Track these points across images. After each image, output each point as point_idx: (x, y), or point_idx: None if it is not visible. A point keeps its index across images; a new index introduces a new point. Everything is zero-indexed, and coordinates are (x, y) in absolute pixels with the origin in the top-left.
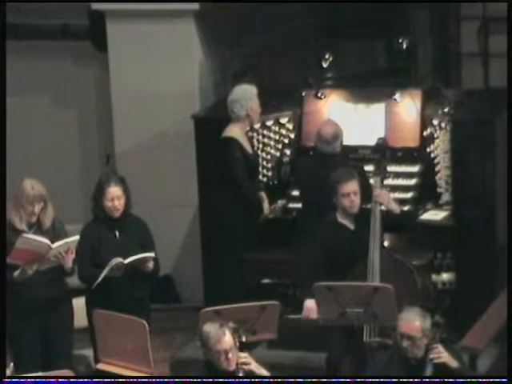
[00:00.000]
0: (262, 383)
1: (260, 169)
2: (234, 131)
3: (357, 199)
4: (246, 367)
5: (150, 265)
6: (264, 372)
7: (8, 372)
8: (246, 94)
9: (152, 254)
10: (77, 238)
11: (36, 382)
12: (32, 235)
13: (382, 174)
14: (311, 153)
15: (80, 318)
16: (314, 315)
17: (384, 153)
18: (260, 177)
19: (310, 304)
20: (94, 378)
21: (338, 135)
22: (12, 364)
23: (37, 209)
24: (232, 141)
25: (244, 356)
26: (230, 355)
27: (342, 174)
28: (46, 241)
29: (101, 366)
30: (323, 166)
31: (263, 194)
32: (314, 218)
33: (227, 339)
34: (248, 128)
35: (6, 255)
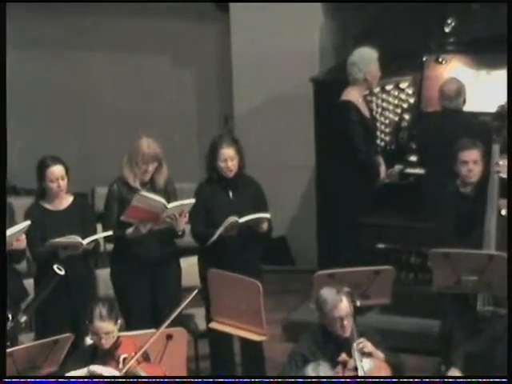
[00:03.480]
0: (262, 383)
1: (378, 133)
2: (352, 95)
3: (476, 168)
4: (363, 351)
5: (265, 226)
6: (380, 354)
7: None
8: (365, 58)
9: (267, 215)
10: (192, 200)
11: (36, 382)
12: (149, 194)
13: (502, 141)
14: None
15: (187, 277)
16: None
17: (503, 120)
18: (377, 141)
19: None
20: (94, 378)
21: (460, 91)
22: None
23: (151, 168)
24: (349, 104)
25: (360, 341)
26: (345, 322)
27: (463, 142)
28: (163, 200)
29: (213, 325)
30: (447, 123)
31: (380, 159)
32: (435, 181)
33: (344, 306)
34: (366, 92)
35: (5, 255)
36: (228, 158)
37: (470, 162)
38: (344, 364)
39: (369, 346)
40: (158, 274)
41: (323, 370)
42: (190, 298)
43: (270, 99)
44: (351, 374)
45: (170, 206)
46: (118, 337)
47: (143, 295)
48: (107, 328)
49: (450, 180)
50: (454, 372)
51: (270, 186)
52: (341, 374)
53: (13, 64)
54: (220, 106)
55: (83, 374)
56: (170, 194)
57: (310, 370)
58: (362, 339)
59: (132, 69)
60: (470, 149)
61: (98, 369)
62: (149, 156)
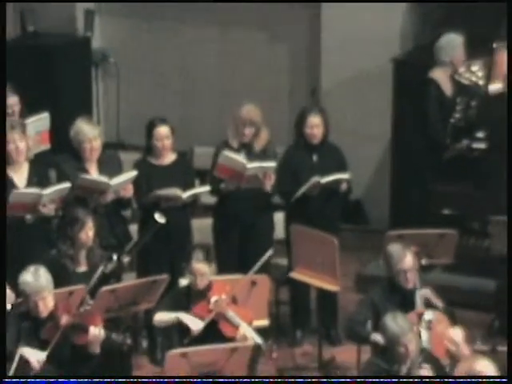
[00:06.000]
0: (262, 383)
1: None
2: (437, 74)
3: None
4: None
5: (344, 186)
6: (438, 302)
7: None
8: (450, 43)
9: (346, 176)
10: (271, 163)
11: (36, 382)
12: (231, 153)
13: None
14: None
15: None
16: None
17: None
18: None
19: None
20: (95, 379)
21: None
22: None
23: (247, 131)
24: (432, 82)
25: (423, 290)
26: (409, 274)
27: None
28: (243, 161)
29: (293, 275)
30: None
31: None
32: (498, 157)
33: (408, 260)
34: (451, 72)
35: (5, 253)
36: (314, 126)
37: None
38: (419, 316)
39: (429, 294)
40: (250, 227)
41: (401, 320)
42: (263, 259)
43: (354, 75)
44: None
45: (249, 166)
46: (210, 281)
47: (235, 244)
48: (203, 269)
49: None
50: None
51: (349, 153)
52: (415, 323)
53: (130, 33)
54: (309, 79)
55: (171, 319)
56: (268, 158)
57: (389, 320)
58: (424, 289)
59: (234, 44)
60: None
61: (184, 317)
62: (244, 120)
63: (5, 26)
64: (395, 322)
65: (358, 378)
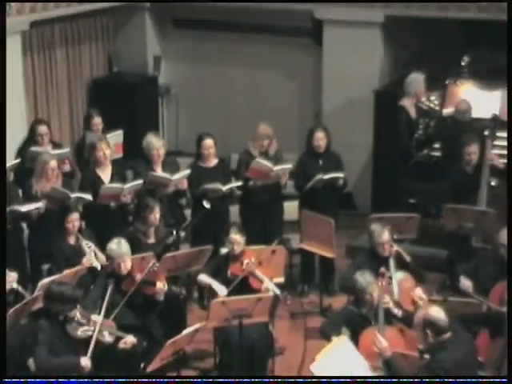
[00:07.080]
0: (262, 383)
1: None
2: (405, 102)
3: (475, 157)
4: (396, 253)
5: (341, 182)
6: (406, 257)
7: None
8: (415, 79)
9: (342, 175)
10: (289, 165)
11: (36, 382)
12: (262, 160)
13: (493, 137)
14: (449, 120)
15: (292, 213)
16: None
17: (496, 124)
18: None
19: None
20: (95, 378)
21: (468, 110)
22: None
23: (265, 143)
24: (402, 108)
25: (396, 246)
26: (385, 246)
27: (468, 139)
28: (270, 164)
29: (302, 246)
30: (459, 129)
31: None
32: (449, 162)
33: (385, 235)
34: (415, 101)
35: (5, 252)
36: (320, 139)
37: (472, 153)
38: (383, 275)
39: (400, 250)
40: (267, 212)
41: (367, 276)
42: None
43: (346, 102)
44: (387, 281)
45: (275, 168)
46: (243, 249)
47: (257, 224)
48: (239, 239)
49: (457, 162)
50: (464, 280)
51: (344, 158)
52: (379, 282)
53: (186, 72)
54: (313, 105)
55: (207, 283)
56: (278, 161)
57: (359, 275)
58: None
59: (257, 80)
60: (472, 143)
61: (215, 285)
62: (262, 135)
63: (5, 25)
64: (363, 277)
65: (359, 378)
